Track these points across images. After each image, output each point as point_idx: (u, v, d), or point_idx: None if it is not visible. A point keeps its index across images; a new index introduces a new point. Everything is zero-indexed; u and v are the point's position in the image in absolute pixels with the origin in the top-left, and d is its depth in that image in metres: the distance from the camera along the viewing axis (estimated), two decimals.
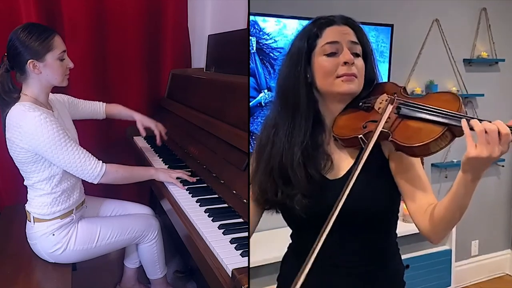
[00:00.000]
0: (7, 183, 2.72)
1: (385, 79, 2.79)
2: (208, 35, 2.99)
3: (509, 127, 0.91)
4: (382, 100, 1.12)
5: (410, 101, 1.07)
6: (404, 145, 1.02)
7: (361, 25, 1.20)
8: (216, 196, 1.86)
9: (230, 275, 1.29)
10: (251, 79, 2.46)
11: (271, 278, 2.31)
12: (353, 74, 1.12)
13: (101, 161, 1.85)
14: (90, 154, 1.84)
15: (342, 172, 1.15)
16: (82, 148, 1.82)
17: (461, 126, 0.95)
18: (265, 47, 2.48)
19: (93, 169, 1.82)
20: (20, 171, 1.89)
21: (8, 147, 1.82)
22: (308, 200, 1.11)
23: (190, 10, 3.14)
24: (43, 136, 1.70)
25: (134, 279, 2.42)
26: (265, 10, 2.43)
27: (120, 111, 2.49)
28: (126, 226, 2.07)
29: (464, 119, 0.94)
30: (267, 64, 2.51)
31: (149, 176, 2.02)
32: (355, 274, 1.18)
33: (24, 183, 1.93)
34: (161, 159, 2.39)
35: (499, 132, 0.89)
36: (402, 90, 1.14)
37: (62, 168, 1.81)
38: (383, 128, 1.05)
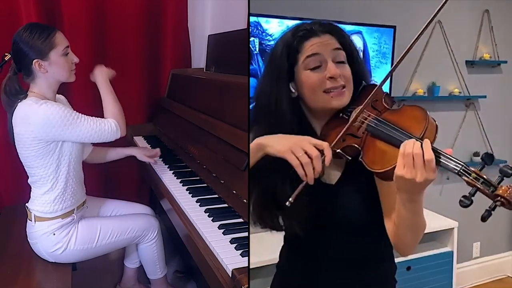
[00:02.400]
0: (7, 183, 2.72)
1: (387, 81, 2.78)
2: (208, 35, 2.99)
3: (438, 154, 0.90)
4: (355, 112, 1.08)
5: (380, 118, 1.04)
6: (370, 169, 1.00)
7: (341, 28, 1.16)
8: (216, 196, 1.86)
9: (230, 275, 1.29)
10: (253, 79, 2.45)
11: (271, 279, 2.30)
12: (342, 86, 1.09)
13: (111, 120, 1.88)
14: (100, 119, 1.85)
15: (334, 180, 1.14)
16: (90, 116, 1.83)
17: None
18: (267, 48, 2.47)
19: (110, 128, 1.86)
20: (25, 168, 1.89)
21: (16, 143, 1.83)
22: (304, 208, 1.09)
23: (190, 10, 3.14)
24: (54, 119, 1.71)
25: (134, 279, 2.42)
26: (268, 11, 2.42)
27: (107, 153, 2.33)
28: (126, 226, 2.07)
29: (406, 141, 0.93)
30: None
31: (127, 153, 2.27)
32: (346, 276, 1.18)
33: (28, 181, 1.93)
34: (161, 159, 2.38)
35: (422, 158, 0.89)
36: (384, 97, 1.09)
37: (82, 141, 1.84)
38: (356, 144, 1.04)
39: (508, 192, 0.86)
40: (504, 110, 3.37)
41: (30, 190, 1.95)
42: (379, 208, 1.11)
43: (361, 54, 1.22)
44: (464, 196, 0.89)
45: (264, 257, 2.24)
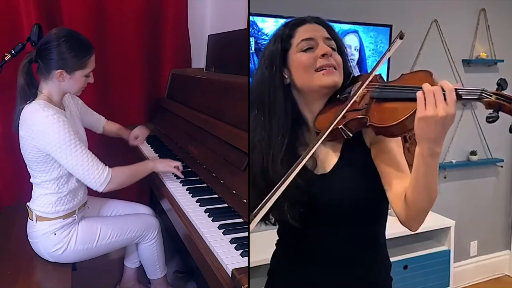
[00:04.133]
0: (7, 183, 2.73)
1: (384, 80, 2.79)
2: (208, 35, 2.99)
3: (457, 88, 0.92)
4: (357, 89, 1.11)
5: (383, 84, 1.07)
6: (382, 126, 1.01)
7: (330, 24, 1.20)
8: (216, 196, 1.87)
9: (230, 275, 1.30)
10: (250, 78, 2.46)
11: None
12: (333, 65, 1.12)
13: (107, 167, 1.82)
14: (98, 160, 1.82)
15: (329, 168, 1.14)
16: (90, 152, 1.81)
17: None
18: (263, 47, 2.48)
19: (99, 175, 1.79)
20: (28, 169, 1.90)
21: (20, 144, 1.85)
22: (297, 202, 1.10)
23: (190, 10, 3.14)
24: (53, 136, 1.71)
25: (134, 279, 2.43)
26: (264, 11, 2.43)
27: (119, 128, 2.48)
28: (126, 225, 2.08)
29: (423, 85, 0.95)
30: None
31: (150, 169, 2.01)
32: (341, 272, 1.17)
33: (31, 180, 1.94)
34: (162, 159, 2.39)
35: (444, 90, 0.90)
36: (378, 78, 1.12)
37: (68, 170, 1.81)
38: (361, 114, 1.06)
39: None
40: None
41: (31, 190, 1.96)
42: (376, 191, 1.10)
43: (353, 52, 1.25)
44: (489, 115, 0.91)
45: (264, 256, 2.25)
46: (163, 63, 3.14)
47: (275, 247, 1.33)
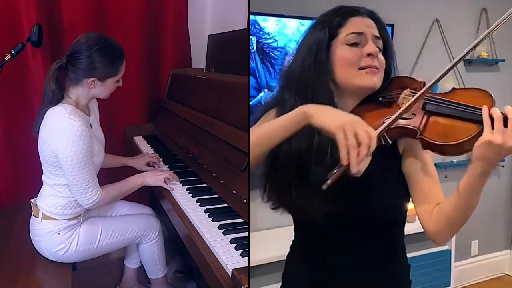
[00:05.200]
0: (7, 183, 2.73)
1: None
2: (208, 35, 2.99)
3: None
4: (406, 95, 1.07)
5: (438, 97, 1.03)
6: (436, 143, 0.97)
7: (384, 22, 1.16)
8: (216, 196, 1.87)
9: (230, 275, 1.30)
10: (251, 78, 2.46)
11: (270, 277, 2.31)
12: (376, 66, 1.08)
13: (100, 190, 1.87)
14: (96, 181, 1.85)
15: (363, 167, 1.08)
16: (94, 173, 1.84)
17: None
18: (265, 46, 2.48)
19: (90, 197, 1.84)
20: (43, 168, 1.91)
21: (38, 144, 1.85)
22: (325, 200, 1.04)
23: (190, 10, 3.14)
24: (71, 148, 1.72)
25: (134, 279, 2.43)
26: (266, 10, 2.43)
27: (112, 160, 2.30)
28: (127, 226, 2.08)
29: (485, 107, 0.93)
30: (267, 63, 2.51)
31: (140, 185, 2.02)
32: (360, 277, 1.14)
33: (42, 178, 1.94)
34: (161, 159, 2.39)
35: None
36: (422, 85, 1.08)
37: (67, 180, 1.82)
38: (410, 125, 1.01)
39: None
40: (502, 109, 3.38)
41: (34, 188, 1.97)
42: (403, 198, 1.10)
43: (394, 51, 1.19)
44: None
45: (264, 256, 2.25)
46: (163, 63, 3.13)
47: (287, 249, 1.31)
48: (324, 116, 0.96)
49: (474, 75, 3.23)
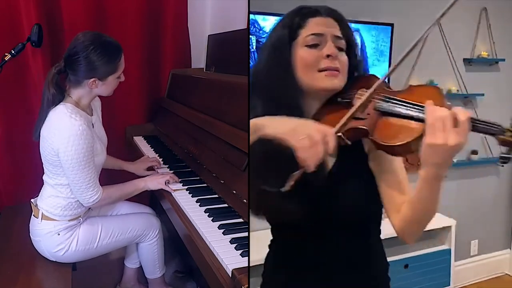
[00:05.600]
0: (7, 183, 2.73)
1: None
2: (208, 35, 2.99)
3: (473, 119, 0.87)
4: (361, 96, 1.04)
5: (390, 96, 1.01)
6: (385, 144, 0.95)
7: (345, 18, 1.12)
8: (216, 196, 1.87)
9: (230, 275, 1.30)
10: (250, 78, 2.46)
11: None
12: (336, 68, 1.06)
13: (100, 189, 1.87)
14: (97, 180, 1.86)
15: (327, 169, 1.08)
16: (94, 172, 1.84)
17: None
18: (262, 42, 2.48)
19: (91, 196, 1.84)
20: (44, 168, 1.91)
21: (40, 144, 1.85)
22: (293, 202, 1.03)
23: (190, 10, 3.14)
24: (72, 147, 1.72)
25: (134, 279, 2.43)
26: (265, 9, 2.43)
27: (111, 162, 2.31)
28: (127, 225, 2.08)
29: (428, 106, 0.90)
30: None
31: (141, 189, 2.03)
32: (337, 278, 1.13)
33: (44, 178, 1.94)
34: (161, 159, 2.39)
35: (456, 119, 0.85)
36: (384, 84, 1.05)
37: (68, 180, 1.83)
38: (362, 125, 1.00)
39: None
40: (502, 108, 3.38)
41: (34, 188, 1.98)
42: (372, 195, 1.08)
43: (359, 49, 1.16)
44: (502, 155, 0.88)
45: (264, 255, 2.25)
46: (163, 63, 3.13)
47: (265, 259, 1.29)
48: (275, 124, 0.97)
49: (474, 74, 3.23)
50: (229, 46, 2.63)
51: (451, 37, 3.09)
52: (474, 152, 3.26)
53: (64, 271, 1.92)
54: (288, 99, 1.07)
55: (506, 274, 3.56)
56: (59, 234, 1.90)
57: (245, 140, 1.80)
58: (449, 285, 2.91)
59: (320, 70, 1.06)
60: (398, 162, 1.09)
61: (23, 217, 2.05)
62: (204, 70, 2.93)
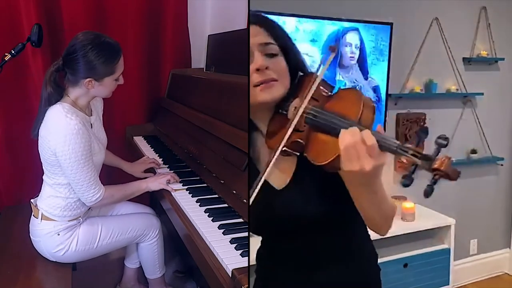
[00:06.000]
0: (7, 183, 2.73)
1: (384, 78, 2.79)
2: (208, 35, 2.99)
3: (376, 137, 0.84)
4: (293, 108, 1.01)
5: (316, 108, 0.97)
6: (315, 163, 0.93)
7: (272, 20, 1.08)
8: (216, 196, 1.87)
9: (230, 275, 1.30)
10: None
11: None
12: (269, 79, 1.00)
13: (102, 188, 1.87)
14: (98, 179, 1.86)
15: (288, 179, 1.08)
16: (94, 170, 1.83)
17: None
18: None
19: (93, 194, 1.84)
20: (43, 167, 1.91)
21: (39, 143, 1.85)
22: (263, 219, 1.08)
23: (190, 10, 3.14)
24: (68, 146, 1.72)
25: (134, 279, 2.43)
26: (264, 8, 2.42)
27: (110, 159, 2.32)
28: (127, 225, 2.08)
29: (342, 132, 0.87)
30: None
31: (143, 190, 2.03)
32: (325, 274, 1.13)
33: (43, 177, 1.94)
34: (161, 159, 2.40)
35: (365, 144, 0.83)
36: (322, 84, 1.02)
37: (68, 180, 1.83)
38: (299, 138, 0.97)
39: (443, 164, 0.82)
40: (501, 107, 3.39)
41: (35, 188, 1.98)
42: (343, 198, 1.02)
43: (296, 47, 1.11)
44: (404, 176, 0.84)
45: None
46: (163, 63, 3.14)
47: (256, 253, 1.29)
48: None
49: (473, 73, 3.24)
50: (229, 46, 2.63)
51: (450, 36, 3.10)
52: (474, 151, 3.27)
53: (64, 271, 1.92)
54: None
55: (506, 273, 3.56)
56: (59, 234, 1.90)
57: (245, 140, 1.80)
58: (449, 284, 2.92)
59: (255, 85, 1.01)
60: None
61: (23, 217, 2.05)
62: (204, 70, 2.93)
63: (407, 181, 0.84)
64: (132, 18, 2.90)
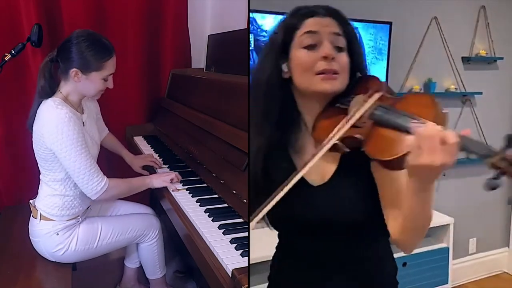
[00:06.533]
0: (7, 183, 2.73)
1: (383, 77, 2.79)
2: (208, 35, 2.99)
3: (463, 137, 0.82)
4: (357, 102, 1.01)
5: (386, 105, 0.96)
6: (377, 158, 0.93)
7: (345, 16, 1.09)
8: (216, 196, 1.87)
9: (230, 275, 1.30)
10: (250, 78, 2.46)
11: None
12: (334, 70, 1.01)
13: (105, 178, 1.85)
14: (99, 169, 1.84)
15: (328, 176, 1.06)
16: (93, 160, 1.83)
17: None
18: (263, 44, 2.48)
19: (97, 184, 1.82)
20: (39, 165, 1.91)
21: (33, 139, 1.85)
22: (290, 217, 1.06)
23: (190, 10, 3.14)
24: (62, 134, 1.72)
25: (134, 279, 2.43)
26: (264, 7, 2.43)
27: (118, 145, 2.42)
28: (127, 225, 2.08)
29: (414, 124, 0.86)
30: None
31: (146, 186, 2.02)
32: (344, 284, 1.11)
33: (40, 177, 1.94)
34: (161, 159, 2.40)
35: (445, 141, 0.80)
36: (381, 87, 1.01)
37: (69, 173, 1.82)
38: (358, 133, 0.96)
39: None
40: (500, 106, 3.39)
41: (34, 188, 1.97)
42: (377, 204, 1.04)
43: (363, 49, 1.12)
44: (489, 179, 0.80)
45: (264, 253, 2.26)
46: (163, 63, 3.14)
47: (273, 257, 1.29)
48: None
49: (472, 73, 3.24)
50: (229, 46, 2.63)
51: (449, 36, 3.10)
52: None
53: (64, 271, 1.93)
54: (284, 105, 1.06)
55: (505, 272, 3.57)
56: (58, 234, 1.91)
57: (245, 140, 1.81)
58: (447, 283, 2.93)
59: (317, 73, 1.02)
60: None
61: (23, 217, 2.05)
62: (204, 70, 2.94)
63: (495, 184, 0.80)
64: (132, 18, 2.90)
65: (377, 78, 1.06)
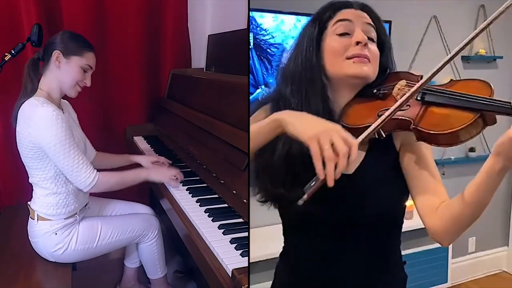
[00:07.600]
0: (7, 183, 2.74)
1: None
2: (208, 35, 2.99)
3: None
4: (401, 86, 1.03)
5: (437, 88, 0.99)
6: (430, 132, 0.92)
7: (377, 13, 1.12)
8: (216, 196, 1.88)
9: (230, 275, 1.31)
10: (251, 76, 2.47)
11: (268, 274, 2.33)
12: (366, 55, 1.02)
13: (95, 171, 1.85)
14: (88, 162, 1.85)
15: (354, 167, 1.03)
16: (82, 154, 1.83)
17: (493, 114, 0.90)
18: (262, 43, 2.49)
19: (87, 177, 1.83)
20: (26, 168, 1.91)
21: (17, 140, 1.85)
22: (315, 201, 0.98)
23: (190, 10, 3.15)
24: (51, 131, 1.72)
25: (134, 279, 2.44)
26: (263, 6, 2.43)
27: (112, 159, 2.32)
28: (126, 225, 2.08)
29: None
30: (265, 60, 2.51)
31: (143, 179, 2.00)
32: (356, 285, 1.10)
33: (29, 181, 1.94)
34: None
35: None
36: (419, 79, 1.02)
37: (59, 167, 1.82)
38: (404, 116, 0.97)
39: None
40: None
41: (31, 190, 1.96)
42: (400, 197, 1.04)
43: (391, 44, 1.13)
44: None
45: (264, 252, 2.26)
46: (163, 63, 3.14)
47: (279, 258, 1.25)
48: (298, 125, 0.91)
49: (471, 72, 3.23)
50: (229, 46, 2.63)
51: (449, 35, 3.09)
52: (472, 149, 3.27)
53: (64, 271, 1.92)
54: (315, 93, 1.04)
55: (504, 271, 3.57)
56: (56, 234, 1.90)
57: (245, 140, 1.81)
58: (447, 282, 2.93)
59: (349, 58, 1.03)
60: (432, 160, 1.05)
61: (23, 217, 2.04)
62: (204, 70, 2.94)
63: None
64: (132, 18, 2.91)
65: (411, 73, 1.07)
